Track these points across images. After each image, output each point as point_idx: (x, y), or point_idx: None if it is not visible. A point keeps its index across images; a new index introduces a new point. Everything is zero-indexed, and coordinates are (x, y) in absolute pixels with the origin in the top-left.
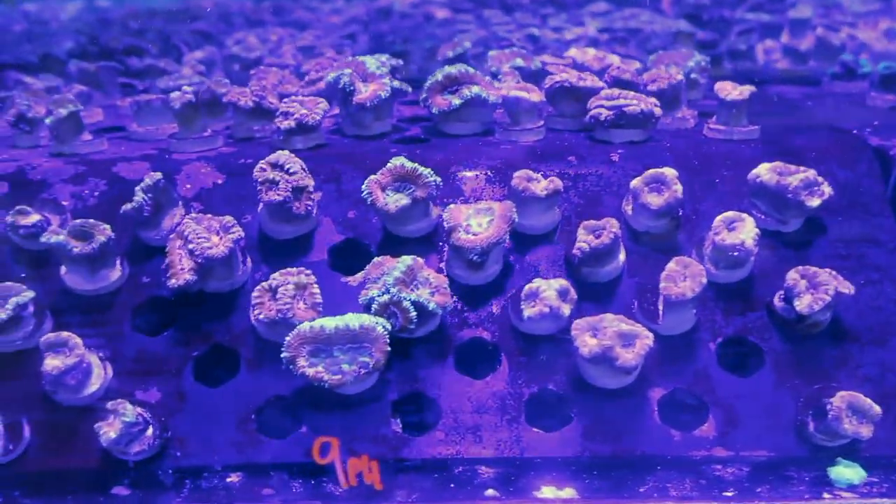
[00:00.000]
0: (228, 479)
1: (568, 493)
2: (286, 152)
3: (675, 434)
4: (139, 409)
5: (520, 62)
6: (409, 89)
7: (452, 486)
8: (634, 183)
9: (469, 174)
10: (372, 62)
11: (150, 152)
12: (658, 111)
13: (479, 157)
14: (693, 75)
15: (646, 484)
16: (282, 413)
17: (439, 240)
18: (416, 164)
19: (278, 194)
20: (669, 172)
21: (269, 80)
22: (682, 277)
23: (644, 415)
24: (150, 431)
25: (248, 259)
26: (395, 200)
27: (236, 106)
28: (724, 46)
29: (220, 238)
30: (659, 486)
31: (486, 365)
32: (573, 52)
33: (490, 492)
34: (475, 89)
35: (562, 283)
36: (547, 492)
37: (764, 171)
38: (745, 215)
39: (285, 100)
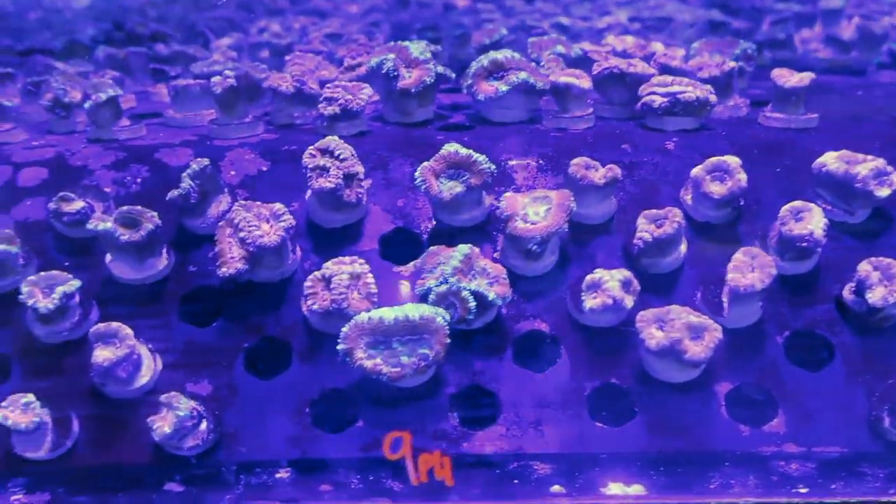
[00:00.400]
0: (284, 475)
1: (636, 489)
2: (335, 138)
3: (744, 429)
4: (193, 403)
5: (560, 49)
6: (453, 75)
7: (516, 481)
8: (695, 171)
9: (520, 162)
10: (415, 47)
11: (191, 138)
12: (713, 98)
13: (529, 144)
14: (740, 63)
15: (715, 480)
16: (337, 407)
17: (492, 229)
18: (471, 151)
19: (329, 181)
20: (732, 160)
21: (306, 66)
22: (750, 268)
23: (711, 410)
24: (203, 426)
25: (298, 248)
26: (449, 188)
27: (276, 91)
28: (759, 36)
29: (271, 226)
30: (729, 482)
31: (546, 358)
32: (611, 39)
33: (556, 488)
34: (522, 75)
35: (625, 273)
36: (615, 488)
37: (830, 160)
38: (812, 205)
39: (328, 85)
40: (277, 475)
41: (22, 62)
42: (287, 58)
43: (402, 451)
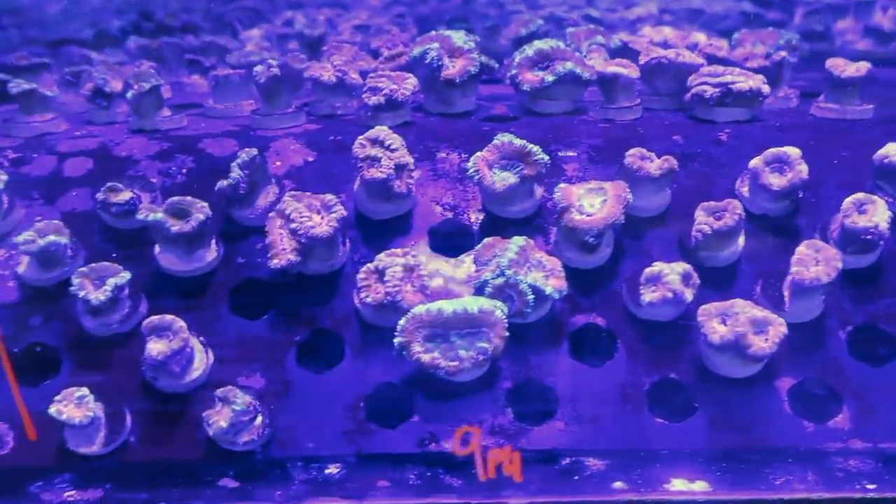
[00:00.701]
0: (340, 471)
1: (700, 486)
2: (385, 128)
3: (808, 425)
4: (249, 398)
5: (600, 39)
6: (496, 65)
7: (576, 478)
8: (754, 162)
9: (569, 153)
10: (458, 36)
11: (233, 128)
12: (766, 89)
13: (577, 135)
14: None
15: (779, 477)
16: (392, 401)
17: (543, 221)
18: (525, 141)
19: (381, 171)
20: (793, 151)
21: (343, 57)
22: (815, 261)
23: (773, 405)
24: (259, 420)
25: (347, 240)
26: (502, 179)
27: (318, 81)
28: (793, 28)
29: (322, 217)
30: (794, 478)
31: (603, 352)
32: (647, 30)
33: (618, 484)
34: (569, 65)
35: (685, 266)
36: (678, 484)
37: (893, 151)
38: (875, 197)
39: (371, 75)
40: (334, 471)
41: (54, 53)
42: (324, 48)
43: (471, 447)
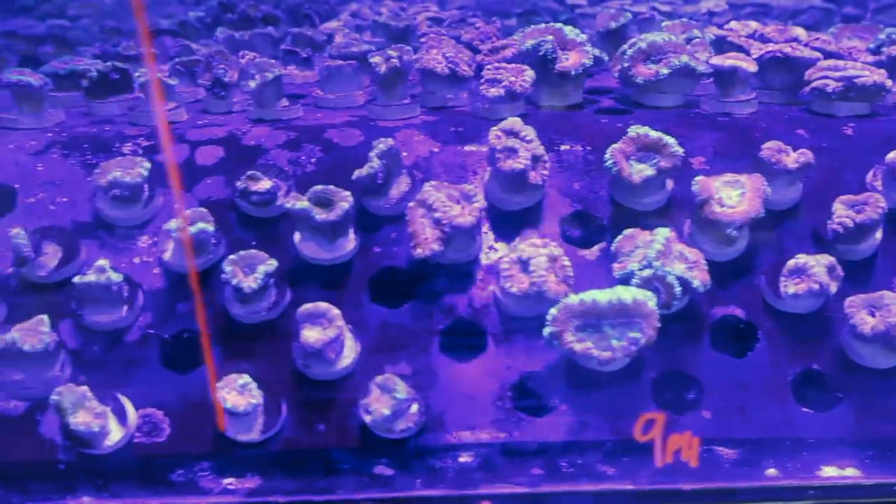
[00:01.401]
0: (493, 458)
1: (851, 472)
2: (518, 119)
3: None
4: (407, 385)
5: (697, 33)
6: (607, 58)
7: (727, 465)
8: (891, 156)
9: (694, 146)
10: (570, 29)
11: (352, 119)
12: (889, 83)
13: (699, 129)
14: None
15: None
16: (538, 390)
17: (673, 213)
18: (661, 134)
19: (520, 162)
20: None
21: (443, 49)
22: None
23: None
24: (414, 408)
25: (482, 230)
26: (639, 171)
27: (431, 73)
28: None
29: (462, 207)
30: None
31: (743, 343)
32: (734, 24)
33: (771, 471)
34: (683, 58)
35: (829, 258)
36: (829, 471)
37: None
38: None
39: (488, 67)
40: (486, 459)
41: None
42: (422, 40)
43: (652, 433)
